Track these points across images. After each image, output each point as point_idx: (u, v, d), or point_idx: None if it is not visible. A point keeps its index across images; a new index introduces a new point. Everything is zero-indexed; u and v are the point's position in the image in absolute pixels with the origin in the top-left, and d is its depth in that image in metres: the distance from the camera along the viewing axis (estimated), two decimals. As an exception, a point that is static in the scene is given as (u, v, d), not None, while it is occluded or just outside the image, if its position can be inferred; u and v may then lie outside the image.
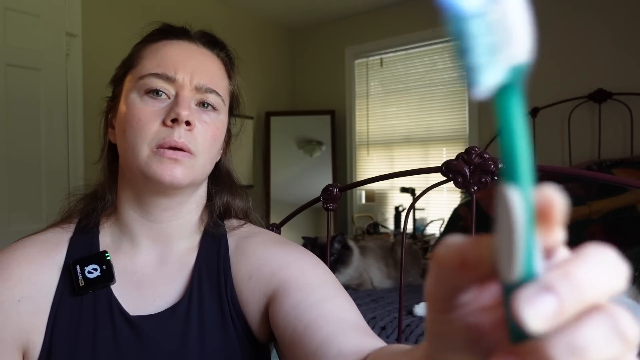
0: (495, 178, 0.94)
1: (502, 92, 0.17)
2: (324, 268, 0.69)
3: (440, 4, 0.16)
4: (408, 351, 0.38)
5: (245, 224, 0.75)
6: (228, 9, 3.69)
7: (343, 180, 3.86)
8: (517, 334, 0.18)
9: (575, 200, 2.48)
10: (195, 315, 0.65)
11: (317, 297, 0.62)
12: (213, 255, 0.70)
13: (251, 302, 0.66)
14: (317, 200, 1.14)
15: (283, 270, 0.66)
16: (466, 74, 0.17)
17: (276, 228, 1.15)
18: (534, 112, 3.01)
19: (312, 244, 2.04)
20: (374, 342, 0.55)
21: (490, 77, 0.17)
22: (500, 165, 0.16)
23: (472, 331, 0.21)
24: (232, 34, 4.01)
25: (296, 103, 4.28)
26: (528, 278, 0.17)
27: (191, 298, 0.66)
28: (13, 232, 2.31)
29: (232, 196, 0.77)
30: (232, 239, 0.72)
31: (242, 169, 3.80)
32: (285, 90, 4.22)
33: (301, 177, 3.94)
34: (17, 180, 2.46)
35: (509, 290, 0.18)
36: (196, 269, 0.68)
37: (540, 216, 0.18)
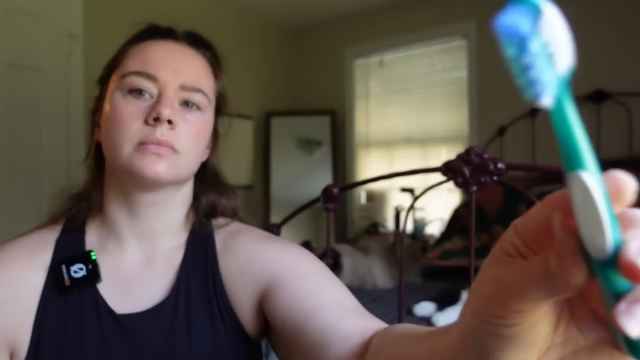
0: (495, 178, 0.94)
1: (559, 97, 0.20)
2: (314, 258, 0.70)
3: (498, 28, 0.19)
4: (430, 334, 0.38)
5: (232, 221, 0.76)
6: (228, 9, 3.69)
7: (343, 180, 3.86)
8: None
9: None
10: (182, 312, 0.65)
11: (313, 285, 0.62)
12: (200, 253, 0.70)
13: (242, 298, 0.67)
14: (317, 200, 1.14)
15: (274, 264, 0.66)
16: (529, 87, 0.19)
17: (276, 228, 1.15)
18: (533, 112, 3.02)
19: None
20: (376, 323, 0.57)
21: (551, 86, 0.19)
22: (563, 161, 0.20)
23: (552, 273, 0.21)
24: (233, 35, 4.02)
25: (296, 103, 4.28)
26: (617, 246, 0.20)
27: (178, 295, 0.66)
28: (13, 232, 2.30)
29: (218, 195, 0.77)
30: (219, 237, 0.72)
31: (242, 169, 3.81)
32: (285, 90, 4.23)
33: (301, 177, 3.94)
34: (18, 180, 2.47)
35: (603, 265, 0.20)
36: (183, 267, 0.69)
37: (613, 197, 0.20)
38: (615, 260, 0.20)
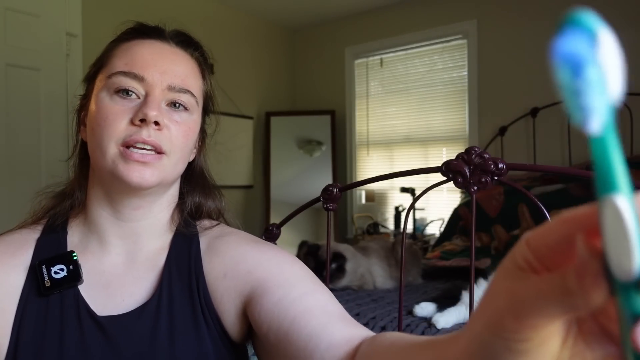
0: (495, 178, 0.94)
1: (605, 124, 0.20)
2: (300, 264, 0.68)
3: (556, 52, 0.19)
4: (432, 343, 0.36)
5: (217, 224, 0.74)
6: (228, 9, 3.69)
7: (343, 180, 3.86)
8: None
9: (575, 200, 2.48)
10: (164, 314, 0.64)
11: (299, 292, 0.61)
12: (184, 255, 0.69)
13: (226, 301, 0.66)
14: (317, 200, 1.14)
15: (259, 269, 0.65)
16: (578, 111, 0.19)
17: (276, 228, 1.15)
18: (534, 112, 3.01)
19: (312, 254, 2.01)
20: (363, 331, 0.56)
21: (601, 113, 0.19)
22: (596, 183, 0.20)
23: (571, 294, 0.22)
24: (232, 34, 4.01)
25: (296, 103, 4.28)
26: None
27: (161, 297, 0.65)
28: (13, 232, 2.30)
29: (204, 196, 0.76)
30: (204, 239, 0.71)
31: (242, 169, 3.80)
32: (285, 90, 4.22)
33: (301, 177, 3.94)
34: (16, 179, 2.46)
35: (626, 286, 0.20)
36: (166, 269, 0.67)
37: None
38: (639, 282, 0.20)
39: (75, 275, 0.64)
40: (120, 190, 0.66)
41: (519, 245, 0.25)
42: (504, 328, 0.24)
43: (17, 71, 2.49)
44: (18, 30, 2.48)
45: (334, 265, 1.97)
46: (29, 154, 2.53)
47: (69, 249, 0.67)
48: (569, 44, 0.19)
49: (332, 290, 2.02)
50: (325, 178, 3.81)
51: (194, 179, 0.76)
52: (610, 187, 0.20)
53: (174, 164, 0.66)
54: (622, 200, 0.20)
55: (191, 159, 0.74)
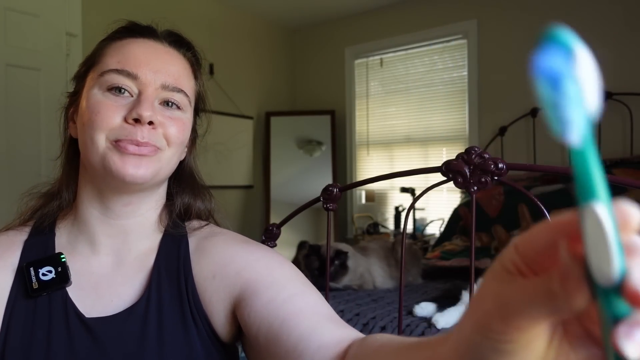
0: (495, 178, 0.94)
1: (584, 136, 0.21)
2: (290, 264, 0.68)
3: (536, 67, 0.20)
4: (422, 344, 0.37)
5: (206, 225, 0.74)
6: (228, 9, 3.69)
7: (343, 180, 3.86)
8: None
9: (575, 200, 2.47)
10: (153, 316, 0.64)
11: (288, 293, 0.61)
12: (173, 256, 0.68)
13: (215, 302, 0.65)
14: (317, 200, 1.14)
15: (249, 269, 0.65)
16: (558, 124, 0.21)
17: (276, 228, 1.15)
18: (533, 112, 3.01)
19: (315, 253, 2.01)
20: (353, 333, 0.56)
21: (579, 126, 0.21)
22: (577, 191, 0.21)
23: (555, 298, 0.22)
24: (232, 34, 4.00)
25: (296, 103, 4.28)
26: (622, 274, 0.21)
27: (149, 299, 0.65)
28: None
29: (193, 197, 0.75)
30: (193, 239, 0.71)
31: (242, 169, 3.80)
32: (285, 90, 4.22)
33: (301, 177, 3.94)
34: (17, 180, 2.46)
35: (605, 290, 0.21)
36: (155, 270, 0.67)
37: (621, 226, 0.21)
38: (618, 287, 0.21)
39: (63, 277, 0.64)
40: (112, 186, 0.65)
41: (508, 249, 0.25)
42: (491, 330, 0.25)
43: (17, 71, 2.49)
44: (18, 30, 2.48)
45: (336, 262, 1.97)
46: (29, 154, 2.53)
47: (57, 250, 0.67)
48: (548, 59, 0.20)
49: (334, 289, 2.01)
50: (325, 178, 3.81)
51: (183, 179, 0.76)
52: (589, 195, 0.21)
53: (168, 158, 0.66)
54: (601, 208, 0.21)
55: (182, 158, 0.73)
